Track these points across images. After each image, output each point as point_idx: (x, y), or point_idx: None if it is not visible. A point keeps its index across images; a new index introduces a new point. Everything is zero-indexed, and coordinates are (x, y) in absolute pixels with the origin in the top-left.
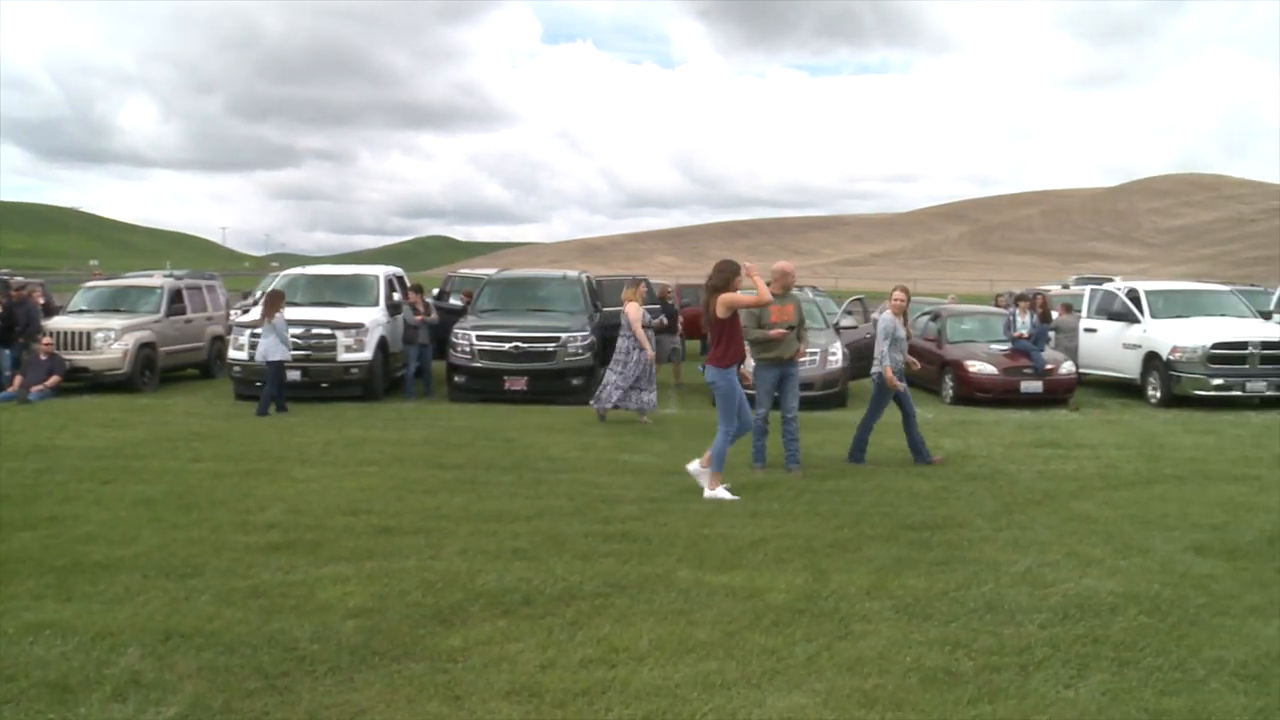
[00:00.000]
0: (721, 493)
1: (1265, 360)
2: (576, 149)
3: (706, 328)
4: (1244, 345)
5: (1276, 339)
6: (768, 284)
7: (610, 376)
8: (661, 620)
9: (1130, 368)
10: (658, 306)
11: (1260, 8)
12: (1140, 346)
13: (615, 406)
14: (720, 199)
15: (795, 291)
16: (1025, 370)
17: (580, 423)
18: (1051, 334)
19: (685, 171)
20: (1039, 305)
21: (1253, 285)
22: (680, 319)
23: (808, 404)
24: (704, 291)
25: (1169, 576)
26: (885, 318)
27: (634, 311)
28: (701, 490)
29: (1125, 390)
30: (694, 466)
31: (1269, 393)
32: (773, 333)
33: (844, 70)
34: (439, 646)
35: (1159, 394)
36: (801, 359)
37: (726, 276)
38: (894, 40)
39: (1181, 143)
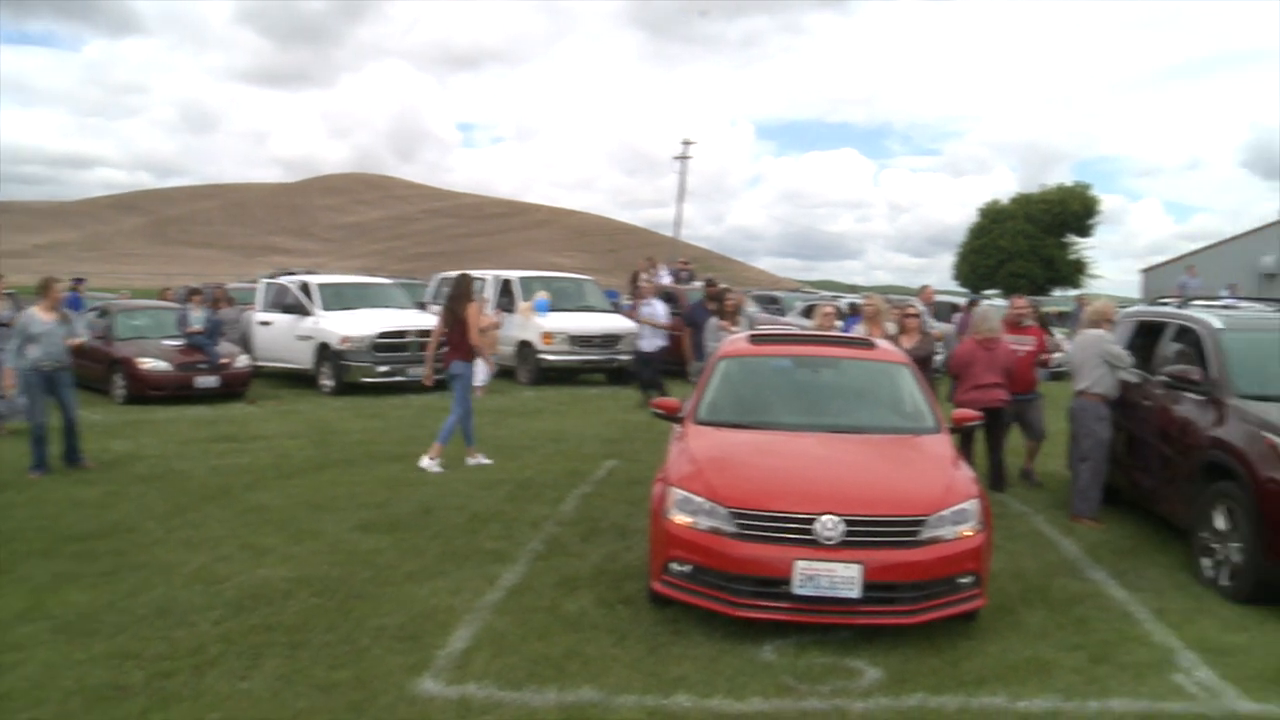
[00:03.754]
0: (434, 465)
1: (423, 347)
2: None
3: (448, 328)
4: (404, 334)
5: (431, 327)
6: None
7: None
8: None
9: (304, 358)
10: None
11: (426, 26)
12: (313, 338)
13: None
14: None
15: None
16: (200, 365)
17: None
18: (225, 328)
19: None
20: (218, 300)
21: (413, 279)
22: None
23: None
24: (451, 300)
25: (338, 556)
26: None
27: None
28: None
29: (301, 380)
30: (427, 462)
31: None
32: None
33: (2, 39)
34: None
35: (332, 382)
36: None
37: (470, 286)
38: (66, 13)
39: (357, 143)
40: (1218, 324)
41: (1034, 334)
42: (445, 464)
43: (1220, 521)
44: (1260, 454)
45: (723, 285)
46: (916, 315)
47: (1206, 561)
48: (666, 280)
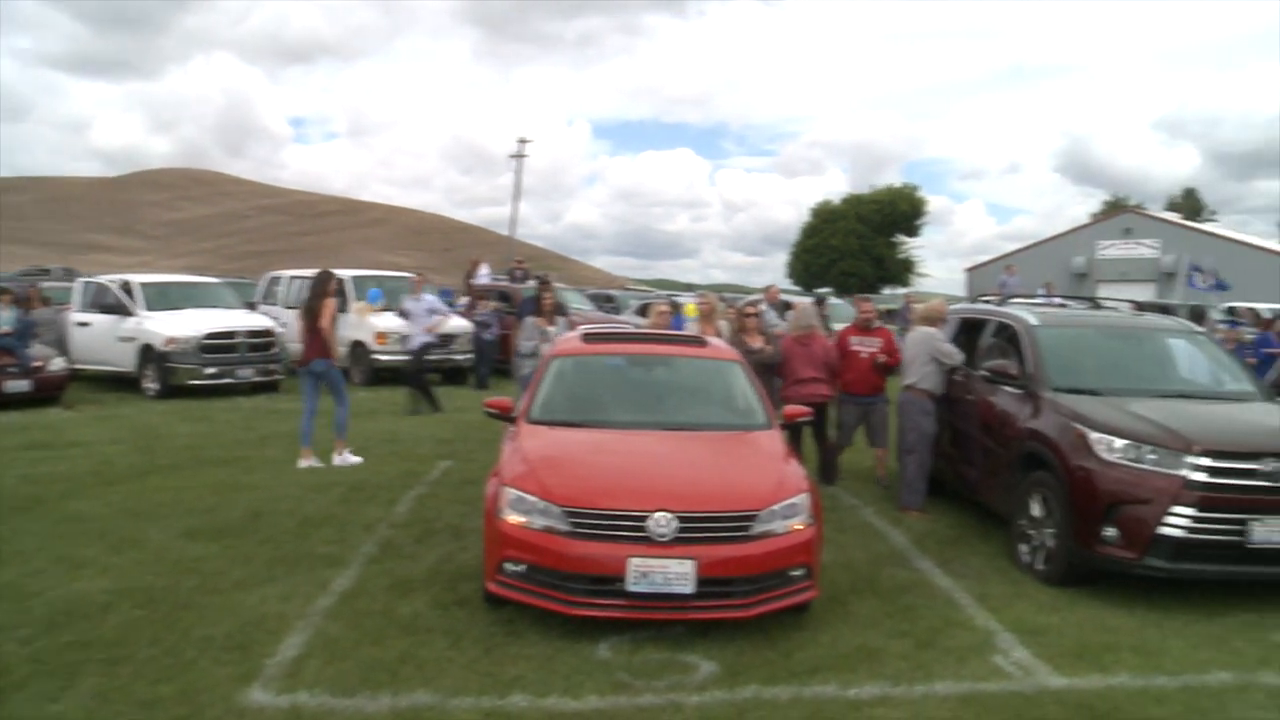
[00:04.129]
0: (349, 457)
1: (253, 349)
2: None
3: (310, 326)
4: (233, 335)
5: (261, 328)
6: None
7: None
8: None
9: (126, 361)
10: None
11: (256, 17)
12: (136, 339)
13: None
14: None
15: None
16: (10, 369)
17: None
18: (39, 329)
19: None
20: (31, 299)
21: (243, 278)
22: None
23: None
24: (310, 297)
25: (162, 565)
26: None
27: None
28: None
29: (123, 384)
30: (339, 459)
31: (257, 378)
32: None
33: None
34: None
35: (156, 385)
36: None
37: (329, 283)
38: None
39: (183, 137)
40: (1033, 321)
41: (881, 335)
42: (355, 450)
43: (1036, 509)
44: (1071, 444)
45: (557, 284)
46: (756, 315)
47: (1024, 548)
48: (485, 280)
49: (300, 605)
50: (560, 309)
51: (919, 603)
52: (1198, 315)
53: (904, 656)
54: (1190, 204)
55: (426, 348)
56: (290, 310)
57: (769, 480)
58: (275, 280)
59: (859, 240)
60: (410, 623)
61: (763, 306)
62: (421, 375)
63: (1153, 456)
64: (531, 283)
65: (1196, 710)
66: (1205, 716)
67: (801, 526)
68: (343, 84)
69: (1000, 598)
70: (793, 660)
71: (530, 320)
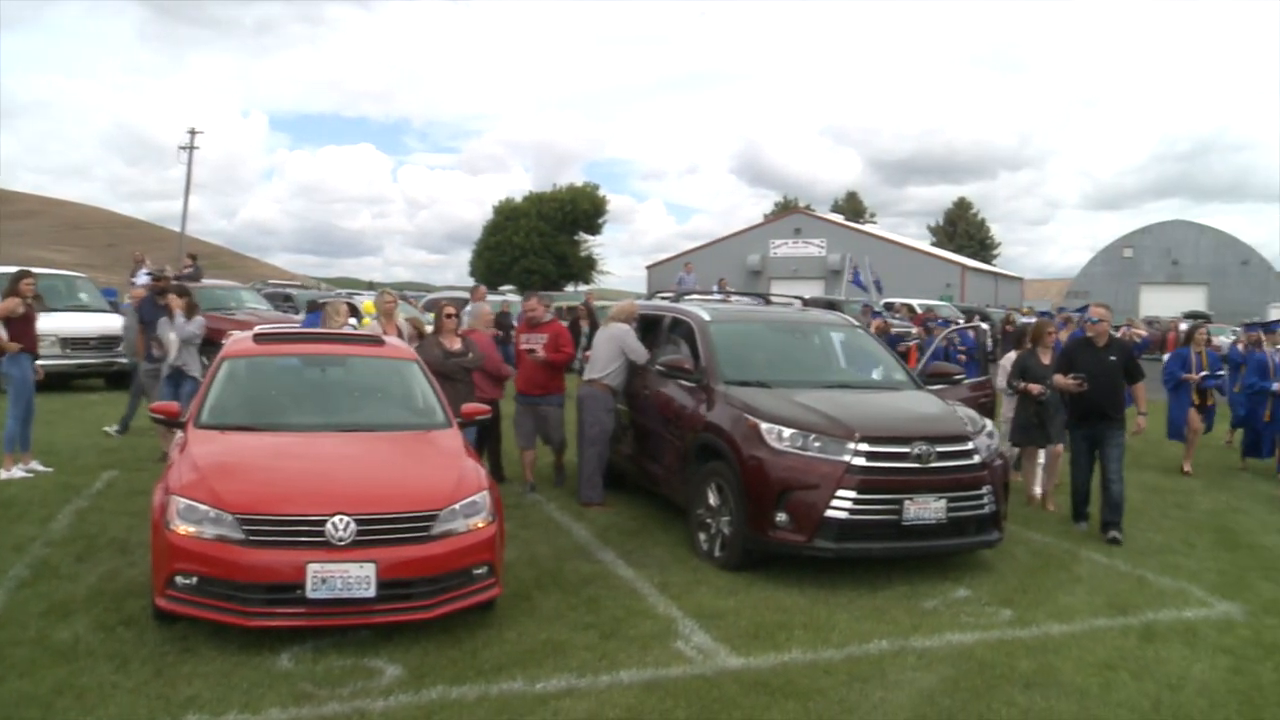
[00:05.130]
0: (17, 472)
1: None
2: None
3: None
4: None
5: None
6: None
7: None
8: None
9: None
10: None
11: None
12: None
13: None
14: None
15: None
16: None
17: None
18: None
19: None
20: None
21: None
22: None
23: None
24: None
25: None
26: None
27: None
28: None
29: None
30: (4, 474)
31: None
32: None
33: None
34: None
35: None
36: None
37: (18, 282)
38: None
39: None
40: (706, 316)
41: (548, 330)
42: (27, 468)
43: (713, 498)
44: (744, 434)
45: (229, 281)
46: (454, 315)
47: (702, 536)
48: (144, 281)
49: None
50: (192, 308)
51: (603, 594)
52: (833, 306)
53: (589, 648)
54: (853, 206)
55: None
56: None
57: (448, 479)
58: None
59: (541, 238)
60: (69, 649)
61: (469, 307)
62: None
63: (818, 444)
64: (210, 283)
65: (859, 677)
66: (866, 682)
67: (483, 524)
68: None
69: (681, 585)
70: (479, 659)
71: (163, 321)
